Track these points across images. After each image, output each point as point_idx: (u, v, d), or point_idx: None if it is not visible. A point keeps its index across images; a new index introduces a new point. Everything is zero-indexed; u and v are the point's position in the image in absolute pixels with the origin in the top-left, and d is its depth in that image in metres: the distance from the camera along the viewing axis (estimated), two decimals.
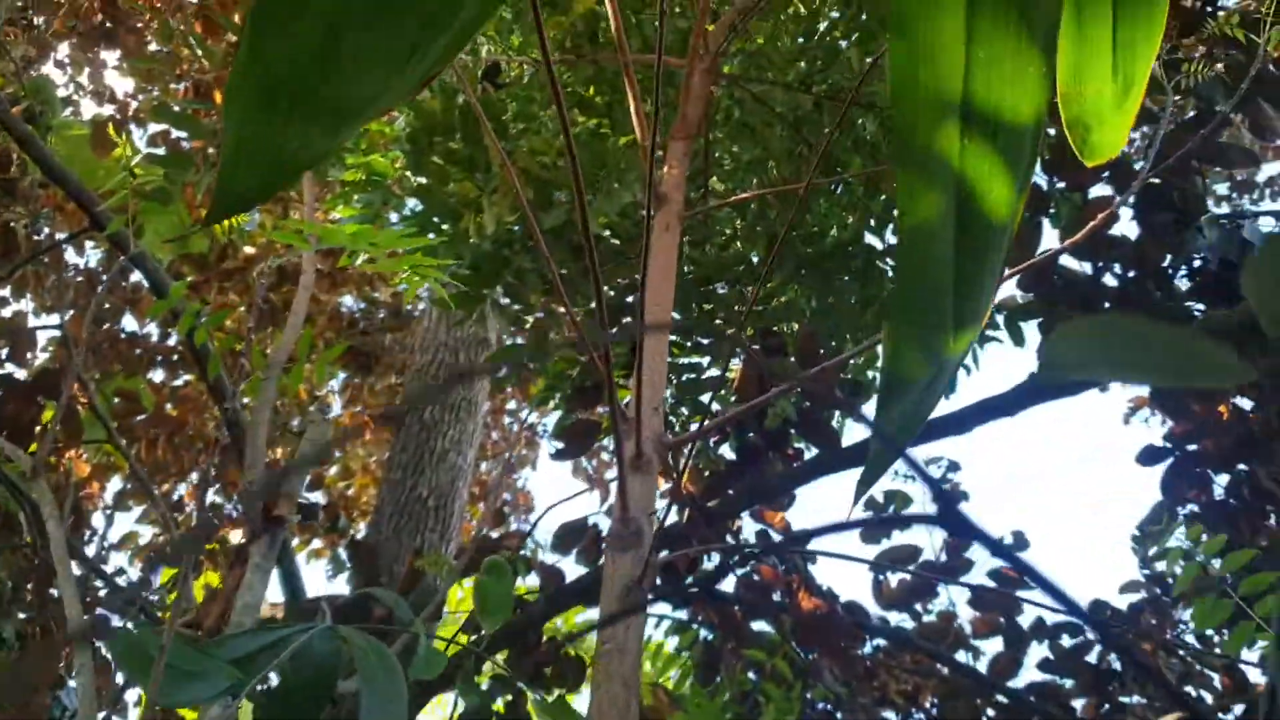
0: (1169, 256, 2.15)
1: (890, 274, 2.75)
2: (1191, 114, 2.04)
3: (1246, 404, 2.43)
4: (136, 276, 4.12)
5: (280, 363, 2.08)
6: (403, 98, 0.61)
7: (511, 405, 8.31)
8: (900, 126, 0.61)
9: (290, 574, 3.10)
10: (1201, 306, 2.15)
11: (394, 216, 3.38)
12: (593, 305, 2.97)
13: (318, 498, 5.76)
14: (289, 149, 0.63)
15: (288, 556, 3.12)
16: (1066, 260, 2.27)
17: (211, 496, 4.29)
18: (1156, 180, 2.17)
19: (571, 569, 2.87)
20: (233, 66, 0.59)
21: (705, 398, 3.23)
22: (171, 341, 4.73)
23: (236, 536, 2.85)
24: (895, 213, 2.74)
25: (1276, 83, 2.00)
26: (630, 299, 2.88)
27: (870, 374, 2.92)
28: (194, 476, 4.77)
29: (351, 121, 0.66)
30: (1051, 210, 2.24)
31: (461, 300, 2.90)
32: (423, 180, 2.79)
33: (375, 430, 5.60)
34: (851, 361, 2.88)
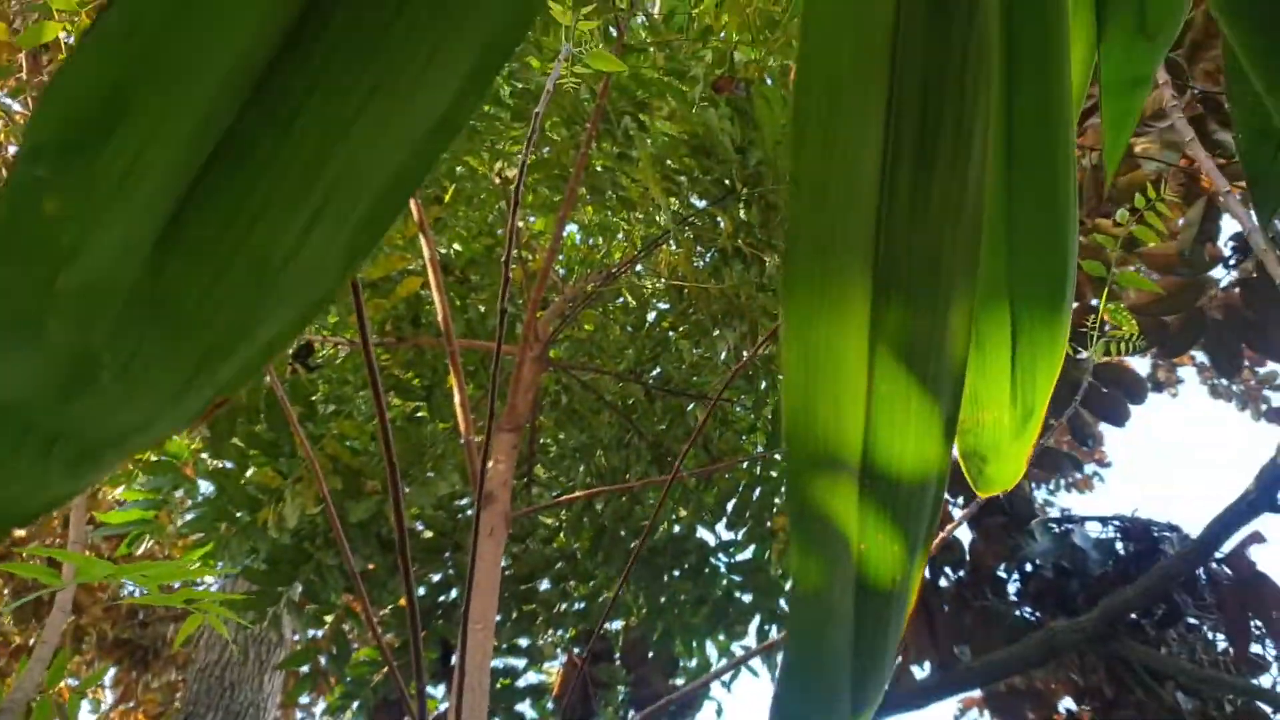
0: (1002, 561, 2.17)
1: (723, 570, 2.67)
2: None
3: (1075, 707, 2.41)
4: None
5: (20, 704, 1.72)
6: (178, 427, 0.45)
7: (304, 699, 7.52)
8: (792, 485, 0.52)
9: None
10: (1036, 613, 2.15)
11: (186, 504, 3.09)
12: (400, 603, 2.72)
13: None
14: (13, 492, 0.46)
15: None
16: None
17: None
18: None
19: None
20: None
21: (522, 706, 2.95)
22: None
23: None
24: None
25: (1095, 391, 2.13)
26: (442, 598, 2.66)
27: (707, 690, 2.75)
28: None
29: (104, 459, 0.50)
30: None
31: (253, 600, 2.60)
32: (220, 464, 2.56)
33: None
34: (682, 666, 2.72)
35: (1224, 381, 6.44)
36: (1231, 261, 2.27)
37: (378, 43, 0.43)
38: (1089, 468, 5.78)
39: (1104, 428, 2.36)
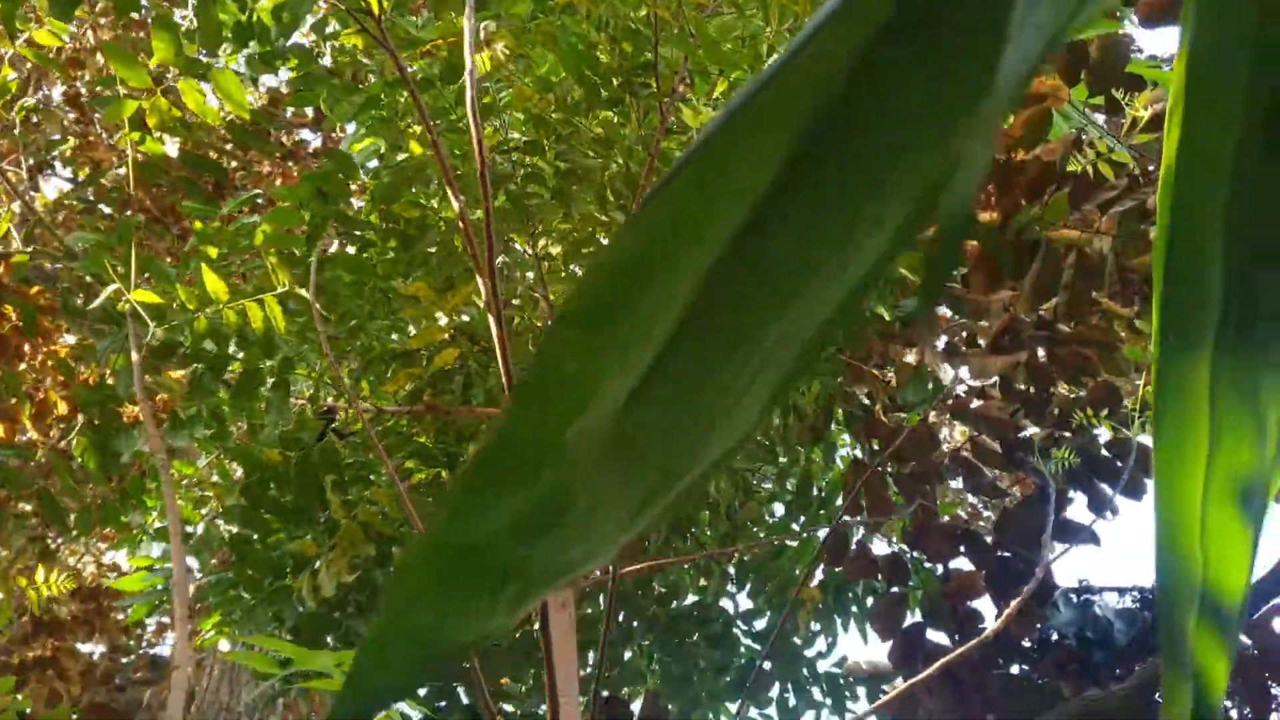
0: (1024, 631, 2.22)
1: (742, 637, 2.68)
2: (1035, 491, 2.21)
3: None
4: None
5: None
6: (611, 559, 0.49)
7: None
8: (1164, 619, 0.57)
9: None
10: (1060, 683, 2.20)
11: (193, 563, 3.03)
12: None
13: None
14: (461, 630, 0.49)
15: None
16: (930, 633, 2.30)
17: None
18: (1008, 554, 2.29)
19: None
20: (419, 537, 0.46)
21: None
22: None
23: None
24: (758, 582, 2.72)
25: (1108, 464, 2.21)
26: (466, 665, 2.62)
27: None
28: None
29: (542, 592, 0.53)
30: (910, 583, 2.30)
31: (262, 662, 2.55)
32: (239, 530, 2.53)
33: None
34: None
35: None
36: None
37: (833, 215, 0.47)
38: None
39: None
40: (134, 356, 1.90)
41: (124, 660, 5.31)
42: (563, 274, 2.61)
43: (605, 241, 2.51)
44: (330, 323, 2.49)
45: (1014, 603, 1.56)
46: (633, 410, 0.48)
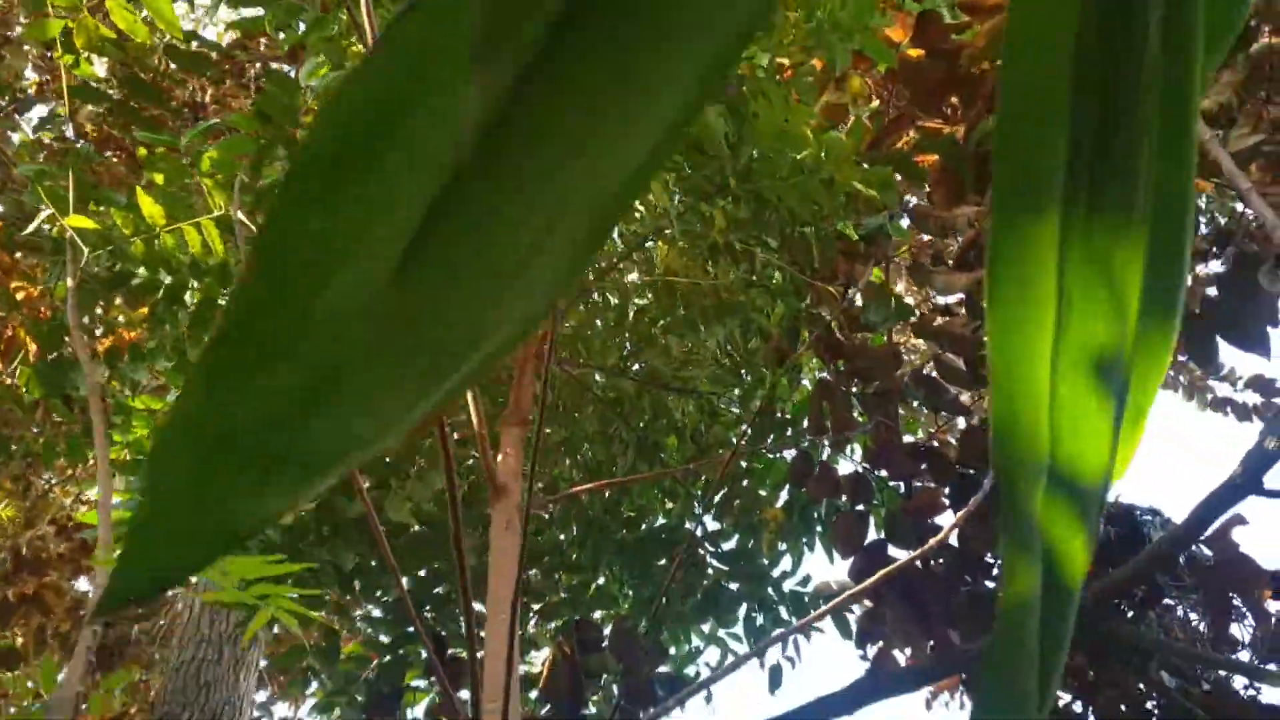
0: (990, 549, 2.22)
1: (709, 559, 2.68)
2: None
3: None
4: None
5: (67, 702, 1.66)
6: (395, 442, 0.46)
7: (260, 696, 7.38)
8: (1004, 491, 0.54)
9: None
10: None
11: None
12: (390, 599, 2.70)
13: None
14: (231, 515, 0.46)
15: None
16: (893, 551, 2.30)
17: None
18: (972, 470, 2.28)
19: None
20: (169, 414, 0.43)
21: None
22: None
23: None
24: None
25: None
26: (436, 590, 2.64)
27: (690, 670, 2.78)
28: None
29: (322, 476, 0.49)
30: (875, 501, 2.29)
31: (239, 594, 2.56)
32: None
33: None
34: (671, 654, 2.73)
35: (1170, 372, 6.64)
36: (1210, 254, 2.34)
37: (621, 53, 0.43)
38: None
39: None
40: (69, 283, 1.86)
41: None
42: None
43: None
44: None
45: (962, 511, 1.55)
46: (406, 278, 0.44)
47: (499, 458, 1.87)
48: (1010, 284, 0.53)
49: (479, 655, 1.50)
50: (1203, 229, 2.37)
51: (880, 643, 2.53)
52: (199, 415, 0.41)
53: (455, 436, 2.61)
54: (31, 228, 1.98)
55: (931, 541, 1.48)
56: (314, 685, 2.75)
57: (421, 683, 2.77)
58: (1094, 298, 0.59)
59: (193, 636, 4.13)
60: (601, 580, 2.94)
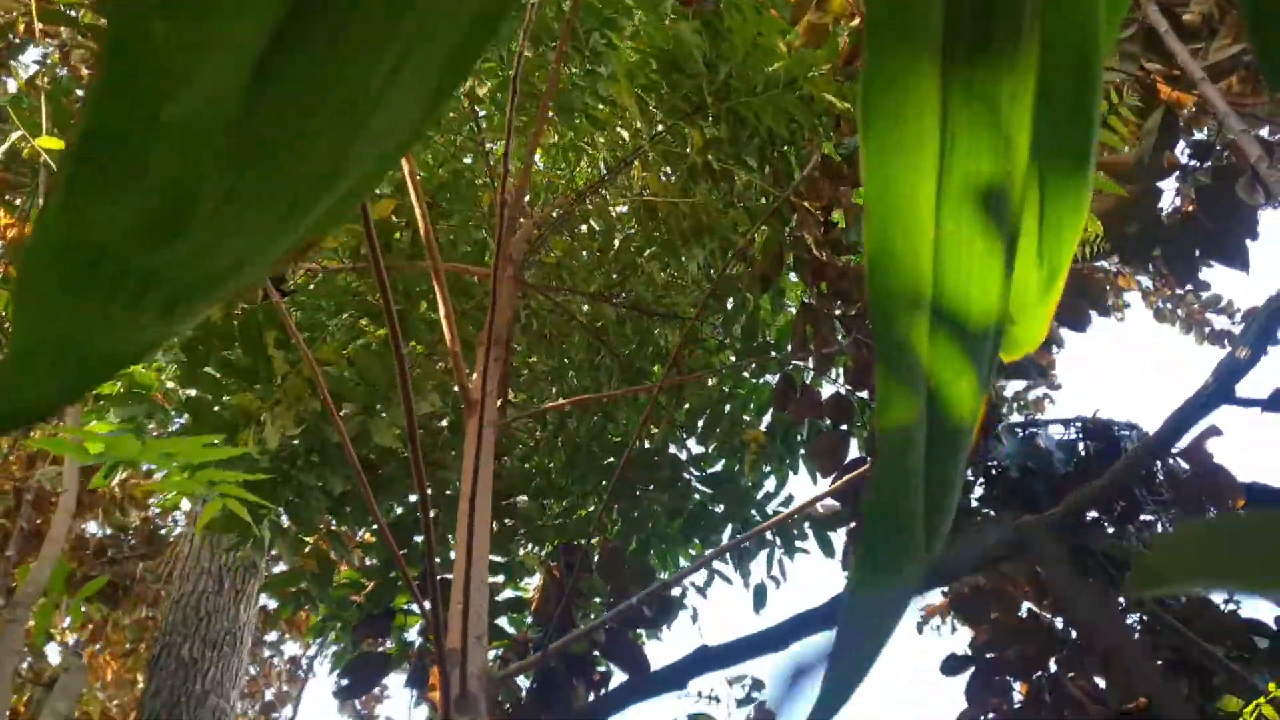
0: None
1: (695, 484, 2.71)
2: None
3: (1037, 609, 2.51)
4: None
5: (32, 597, 1.72)
6: (268, 268, 0.46)
7: (271, 636, 7.52)
8: (877, 321, 0.54)
9: None
10: (1004, 513, 2.23)
11: (157, 433, 3.05)
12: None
13: None
14: (107, 340, 0.47)
15: None
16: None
17: None
18: None
19: None
20: (33, 231, 0.43)
21: (501, 620, 3.00)
22: None
23: None
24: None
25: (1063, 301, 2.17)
26: (417, 515, 2.68)
27: (677, 591, 2.81)
28: None
29: (197, 303, 0.50)
30: (858, 423, 2.30)
31: (234, 522, 2.60)
32: (193, 393, 2.54)
33: (120, 670, 4.90)
34: (659, 576, 2.77)
35: (1168, 305, 6.59)
36: (1189, 168, 2.32)
37: None
38: (1039, 391, 5.94)
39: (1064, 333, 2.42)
40: (39, 204, 1.86)
41: (123, 537, 5.42)
42: (497, 120, 2.54)
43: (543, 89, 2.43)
44: None
45: None
46: (259, 97, 0.44)
47: (474, 377, 1.88)
48: (886, 117, 0.53)
49: (438, 576, 1.53)
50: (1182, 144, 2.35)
51: None
52: (63, 233, 0.42)
53: (440, 366, 2.62)
54: (2, 149, 1.97)
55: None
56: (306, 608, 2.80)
57: (415, 606, 2.82)
58: (977, 135, 0.59)
59: (193, 569, 4.20)
60: (591, 508, 2.97)
